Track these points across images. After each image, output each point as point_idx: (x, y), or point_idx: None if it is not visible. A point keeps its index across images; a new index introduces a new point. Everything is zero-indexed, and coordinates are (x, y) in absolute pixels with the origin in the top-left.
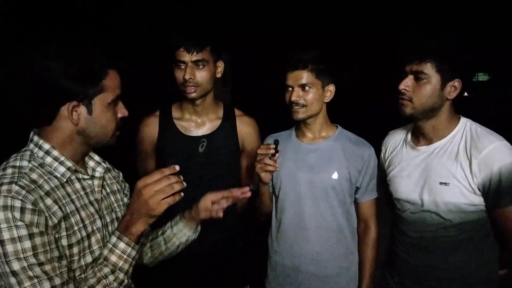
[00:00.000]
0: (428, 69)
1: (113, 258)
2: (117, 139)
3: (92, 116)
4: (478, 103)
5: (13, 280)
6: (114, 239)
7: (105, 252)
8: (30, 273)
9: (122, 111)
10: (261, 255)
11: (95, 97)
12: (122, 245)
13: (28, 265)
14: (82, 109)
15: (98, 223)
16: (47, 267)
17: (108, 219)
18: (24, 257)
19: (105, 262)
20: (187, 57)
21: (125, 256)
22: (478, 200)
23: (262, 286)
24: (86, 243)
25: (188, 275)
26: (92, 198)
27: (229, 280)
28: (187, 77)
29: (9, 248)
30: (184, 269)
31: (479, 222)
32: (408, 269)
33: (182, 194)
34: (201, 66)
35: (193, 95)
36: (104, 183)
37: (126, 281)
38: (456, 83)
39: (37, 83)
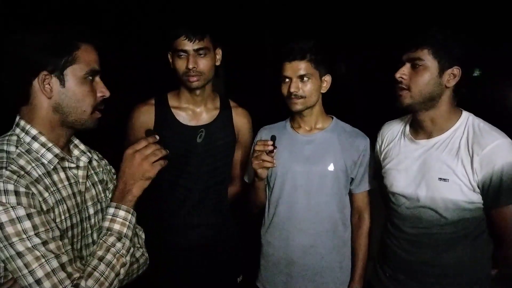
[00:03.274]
0: (425, 55)
1: (117, 227)
2: (102, 124)
3: (65, 88)
4: (472, 99)
5: (19, 262)
6: (112, 210)
7: (106, 223)
8: (37, 253)
9: (102, 90)
10: (254, 246)
11: (67, 68)
12: (122, 213)
13: (32, 246)
14: (54, 81)
15: (82, 214)
16: (52, 246)
17: (91, 211)
18: (27, 237)
19: (109, 232)
20: (188, 45)
21: (127, 223)
22: (477, 198)
23: (255, 277)
24: (69, 234)
25: (182, 268)
26: (76, 190)
27: (222, 272)
28: (190, 66)
29: (9, 230)
30: (178, 261)
31: (475, 220)
32: (401, 264)
33: (167, 160)
34: (202, 55)
35: (196, 83)
36: (88, 173)
37: (132, 249)
38: (455, 70)
39: (8, 58)
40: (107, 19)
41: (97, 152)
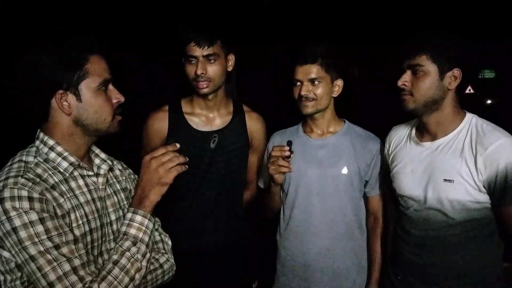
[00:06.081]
0: (424, 61)
1: (133, 231)
2: (122, 127)
3: (82, 102)
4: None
5: (33, 266)
6: (129, 215)
7: (123, 228)
8: (49, 257)
9: (116, 97)
10: (269, 251)
11: (81, 83)
12: (139, 218)
13: (45, 249)
14: (71, 97)
15: (102, 220)
16: (65, 250)
17: (113, 217)
18: (39, 241)
19: (125, 237)
20: (198, 51)
21: (144, 228)
22: (483, 197)
23: (271, 282)
24: (88, 238)
25: (196, 273)
26: (95, 196)
27: (237, 277)
28: (199, 72)
29: (22, 234)
30: (192, 266)
31: (483, 220)
32: (411, 267)
33: (186, 166)
34: (212, 61)
35: (205, 90)
36: (110, 181)
37: (148, 254)
38: (456, 72)
39: (25, 78)
40: (107, 19)
41: (121, 162)
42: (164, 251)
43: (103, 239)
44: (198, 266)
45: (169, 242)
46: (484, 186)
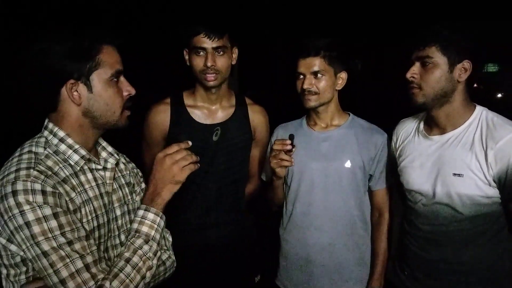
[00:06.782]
0: (434, 52)
1: (145, 229)
2: (130, 122)
3: (93, 93)
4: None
5: (45, 262)
6: (141, 212)
7: (135, 225)
8: (62, 253)
9: (127, 89)
10: (272, 245)
11: (93, 73)
12: (151, 215)
13: (58, 245)
14: (82, 88)
15: (108, 215)
16: (77, 246)
17: (118, 212)
18: (52, 237)
19: (137, 234)
20: (208, 43)
21: (156, 226)
22: (493, 192)
23: (274, 276)
24: (96, 234)
25: (198, 267)
26: (103, 190)
27: (239, 271)
28: (209, 64)
29: (36, 229)
30: (194, 260)
31: (493, 215)
32: (419, 263)
33: (199, 165)
34: (221, 53)
35: (214, 82)
36: (116, 175)
37: (159, 252)
38: (466, 64)
39: (34, 67)
40: (107, 19)
41: (124, 156)
42: (166, 248)
43: (109, 234)
44: (201, 260)
45: (170, 239)
46: (494, 181)
